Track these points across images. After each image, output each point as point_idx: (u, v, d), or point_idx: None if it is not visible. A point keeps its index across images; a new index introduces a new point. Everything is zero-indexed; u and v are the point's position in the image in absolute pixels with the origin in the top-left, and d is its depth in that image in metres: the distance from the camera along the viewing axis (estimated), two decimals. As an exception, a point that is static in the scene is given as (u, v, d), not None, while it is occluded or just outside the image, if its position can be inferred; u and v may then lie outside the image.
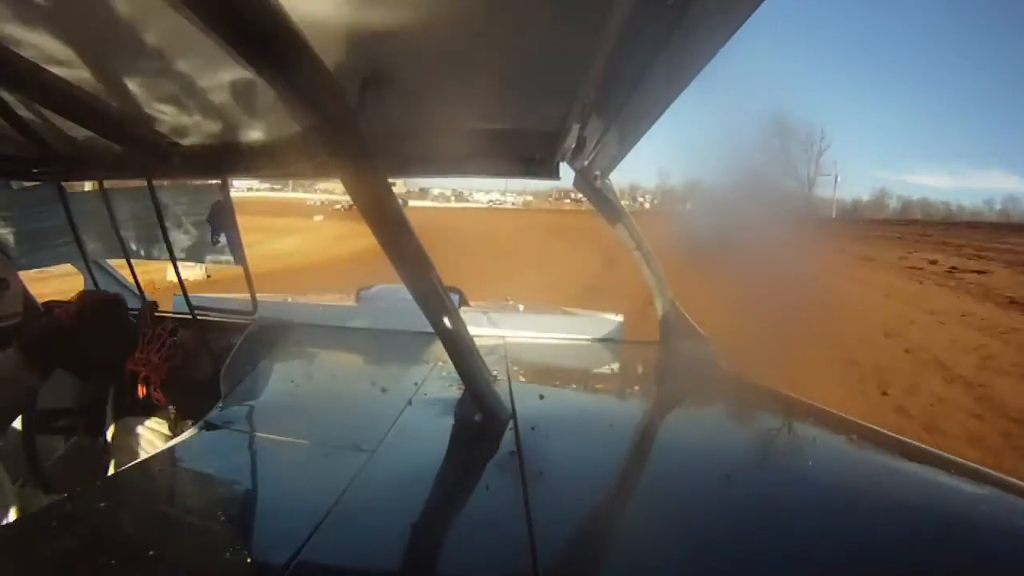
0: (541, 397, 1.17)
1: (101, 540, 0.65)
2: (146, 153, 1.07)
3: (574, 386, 1.46)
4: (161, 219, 1.67)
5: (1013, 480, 0.79)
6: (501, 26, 0.67)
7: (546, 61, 0.76)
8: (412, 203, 39.46)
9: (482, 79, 0.84)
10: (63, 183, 1.69)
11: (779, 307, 5.73)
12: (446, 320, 0.92)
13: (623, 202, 1.55)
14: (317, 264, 13.86)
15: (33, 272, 1.73)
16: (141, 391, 1.73)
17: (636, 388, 1.59)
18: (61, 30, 0.69)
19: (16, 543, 0.65)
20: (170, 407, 1.70)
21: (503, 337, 1.68)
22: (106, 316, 0.85)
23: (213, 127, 1.03)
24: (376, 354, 1.62)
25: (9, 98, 0.90)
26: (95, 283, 1.91)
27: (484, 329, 1.73)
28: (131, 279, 1.90)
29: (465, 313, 1.00)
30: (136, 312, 1.48)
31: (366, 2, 0.60)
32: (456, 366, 0.97)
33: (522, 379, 1.30)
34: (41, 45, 0.72)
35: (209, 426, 1.01)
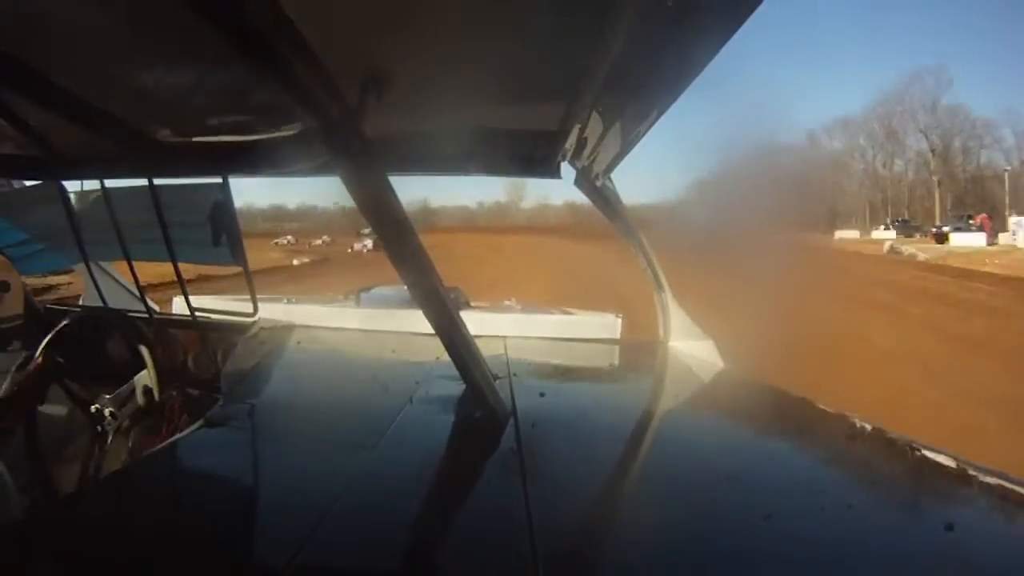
0: (541, 395, 1.17)
1: (103, 537, 0.66)
2: (146, 153, 1.07)
3: (574, 385, 1.46)
4: (162, 219, 1.66)
5: (1012, 478, 0.79)
6: (502, 26, 0.67)
7: (547, 60, 0.76)
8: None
9: (483, 78, 0.84)
10: (63, 183, 1.68)
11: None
12: (446, 320, 0.92)
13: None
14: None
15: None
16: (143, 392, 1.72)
17: (635, 386, 1.59)
18: (61, 30, 0.69)
19: (17, 542, 0.65)
20: (171, 407, 1.70)
21: (503, 337, 1.68)
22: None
23: (214, 127, 1.03)
24: (376, 354, 1.62)
25: (9, 98, 0.90)
26: (96, 285, 1.90)
27: (484, 329, 1.73)
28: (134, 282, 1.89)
29: (465, 313, 1.00)
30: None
31: (366, 2, 0.60)
32: (456, 365, 0.97)
33: (522, 378, 1.30)
34: (41, 46, 0.72)
35: (210, 423, 1.01)
